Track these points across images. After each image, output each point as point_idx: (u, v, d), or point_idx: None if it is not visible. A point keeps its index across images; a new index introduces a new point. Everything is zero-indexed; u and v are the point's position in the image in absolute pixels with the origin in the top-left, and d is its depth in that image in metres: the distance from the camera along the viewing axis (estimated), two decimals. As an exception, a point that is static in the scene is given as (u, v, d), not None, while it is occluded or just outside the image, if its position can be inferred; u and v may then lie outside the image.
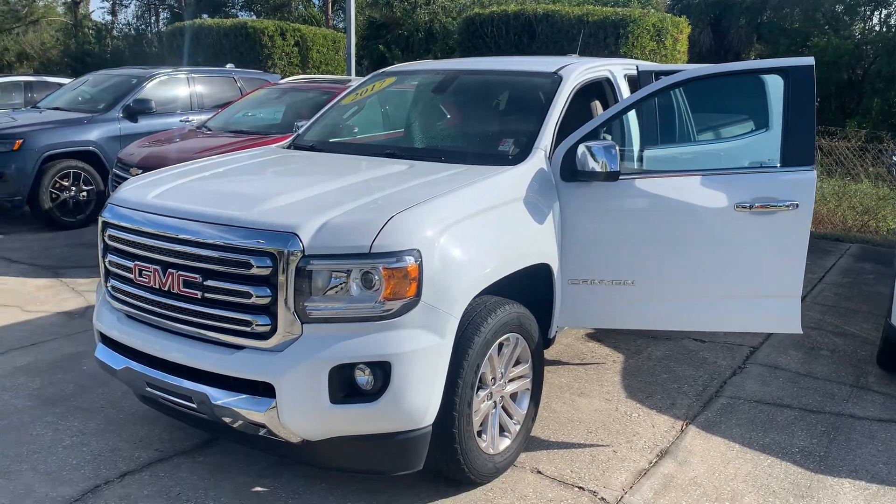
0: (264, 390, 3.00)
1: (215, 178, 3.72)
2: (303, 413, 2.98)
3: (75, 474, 3.56)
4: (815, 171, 3.78)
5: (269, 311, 2.99)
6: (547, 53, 11.69)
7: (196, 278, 3.08)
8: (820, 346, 5.51)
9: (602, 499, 3.45)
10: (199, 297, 3.09)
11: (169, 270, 3.15)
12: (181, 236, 3.12)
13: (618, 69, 4.84)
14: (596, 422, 4.22)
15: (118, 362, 3.39)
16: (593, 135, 3.91)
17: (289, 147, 4.66)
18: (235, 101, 9.49)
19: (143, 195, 3.47)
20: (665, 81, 3.94)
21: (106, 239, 3.47)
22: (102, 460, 3.70)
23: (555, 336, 4.00)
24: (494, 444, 3.51)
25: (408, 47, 28.54)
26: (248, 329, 3.02)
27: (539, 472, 3.66)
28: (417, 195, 3.23)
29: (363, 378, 2.99)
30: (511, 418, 3.63)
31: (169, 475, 3.58)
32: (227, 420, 3.10)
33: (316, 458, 3.24)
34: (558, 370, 4.92)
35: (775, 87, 4.74)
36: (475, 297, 3.22)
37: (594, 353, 5.26)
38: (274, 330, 2.98)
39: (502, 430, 3.58)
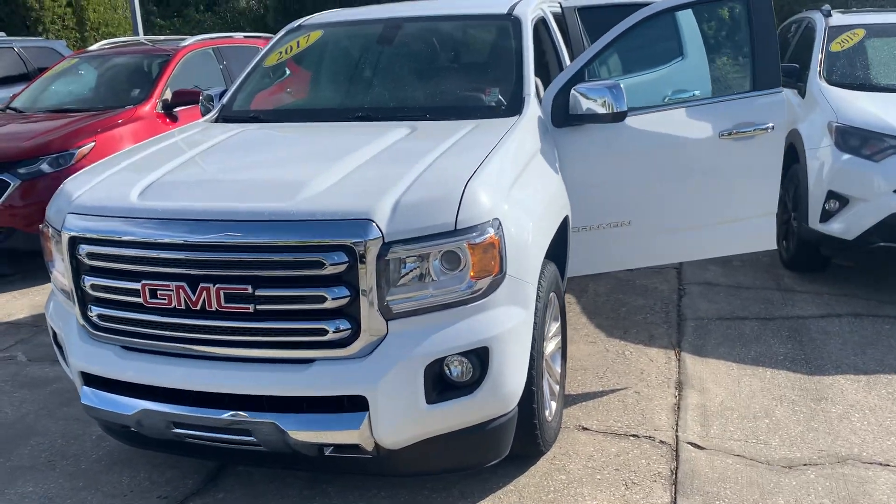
0: (351, 404, 2.59)
1: (196, 168, 3.09)
2: (397, 422, 2.62)
3: (78, 550, 2.90)
4: (783, 93, 3.93)
5: (346, 313, 2.55)
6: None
7: (244, 289, 2.54)
8: (729, 259, 5.90)
9: (661, 441, 3.45)
10: (250, 311, 2.56)
11: (201, 286, 2.57)
12: (215, 241, 2.54)
13: (545, 6, 4.70)
14: (599, 366, 4.20)
15: (128, 406, 2.75)
16: (580, 76, 3.76)
17: (216, 120, 4.02)
18: (37, 76, 8.10)
19: (121, 197, 2.79)
20: (644, 13, 3.86)
21: (83, 258, 2.75)
22: (101, 525, 3.05)
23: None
24: (550, 409, 3.35)
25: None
26: (321, 339, 2.57)
27: (585, 429, 3.57)
28: (464, 160, 2.90)
29: (456, 369, 2.68)
30: (551, 379, 3.49)
31: (198, 523, 3.03)
32: (299, 448, 2.65)
33: (392, 468, 2.87)
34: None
35: (687, 17, 4.88)
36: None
37: (547, 299, 5.21)
38: (356, 334, 2.56)
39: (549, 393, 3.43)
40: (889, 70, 5.78)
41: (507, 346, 2.70)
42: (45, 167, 6.04)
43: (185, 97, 7.10)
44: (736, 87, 4.22)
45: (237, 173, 3.01)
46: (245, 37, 9.19)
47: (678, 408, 3.74)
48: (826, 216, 5.03)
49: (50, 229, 3.02)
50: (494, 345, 2.66)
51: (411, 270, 2.58)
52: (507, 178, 2.90)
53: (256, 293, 2.55)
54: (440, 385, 2.67)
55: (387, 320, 2.57)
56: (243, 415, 2.61)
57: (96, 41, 14.20)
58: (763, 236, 4.09)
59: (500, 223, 2.68)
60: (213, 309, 2.58)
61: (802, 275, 5.53)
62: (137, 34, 12.68)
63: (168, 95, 7.10)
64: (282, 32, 4.46)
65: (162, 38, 10.60)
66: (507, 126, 3.35)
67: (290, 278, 2.54)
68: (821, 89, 5.54)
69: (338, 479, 3.23)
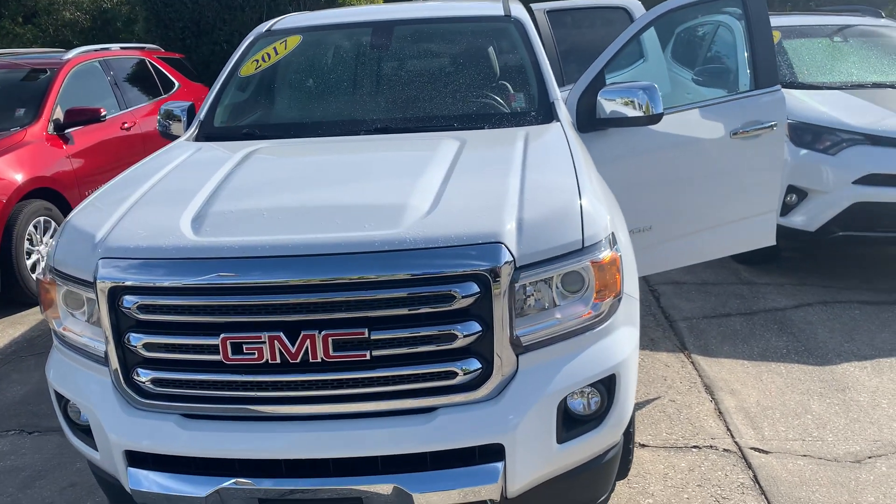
0: (483, 455, 2.27)
1: (239, 195, 2.59)
2: (528, 468, 2.32)
3: None
4: (782, 90, 3.98)
5: (475, 351, 2.23)
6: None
7: (359, 334, 2.15)
8: (682, 256, 5.99)
9: (725, 450, 3.35)
10: (365, 358, 2.17)
11: (303, 334, 2.15)
12: (323, 280, 2.13)
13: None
14: (619, 378, 4.06)
15: (202, 486, 2.26)
16: (600, 80, 3.62)
17: (196, 138, 3.49)
18: None
19: (173, 235, 2.29)
20: (651, 15, 3.78)
21: (133, 312, 2.23)
22: None
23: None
24: (622, 430, 3.16)
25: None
26: (449, 383, 2.22)
27: (644, 445, 3.42)
28: (555, 173, 2.66)
29: (579, 402, 2.42)
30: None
31: None
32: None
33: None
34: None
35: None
36: (634, 273, 2.80)
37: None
38: (487, 374, 2.24)
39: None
40: (811, 68, 6.10)
41: (630, 371, 2.48)
42: (-74, 203, 5.10)
43: (80, 116, 6.30)
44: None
45: (302, 199, 2.56)
46: (122, 48, 8.34)
47: (719, 412, 3.67)
48: (786, 209, 5.21)
49: (59, 278, 2.45)
50: (622, 371, 2.43)
51: (537, 296, 2.30)
52: (597, 189, 2.68)
53: (372, 337, 2.16)
54: (568, 421, 2.40)
55: (517, 355, 2.27)
56: (352, 481, 2.22)
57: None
58: (766, 233, 4.12)
59: (614, 238, 2.46)
60: (318, 360, 2.17)
61: (755, 267, 5.70)
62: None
63: (59, 115, 6.25)
64: (250, 38, 3.97)
65: (20, 51, 9.53)
66: (558, 133, 3.13)
67: (413, 316, 2.17)
68: (758, 88, 5.73)
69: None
